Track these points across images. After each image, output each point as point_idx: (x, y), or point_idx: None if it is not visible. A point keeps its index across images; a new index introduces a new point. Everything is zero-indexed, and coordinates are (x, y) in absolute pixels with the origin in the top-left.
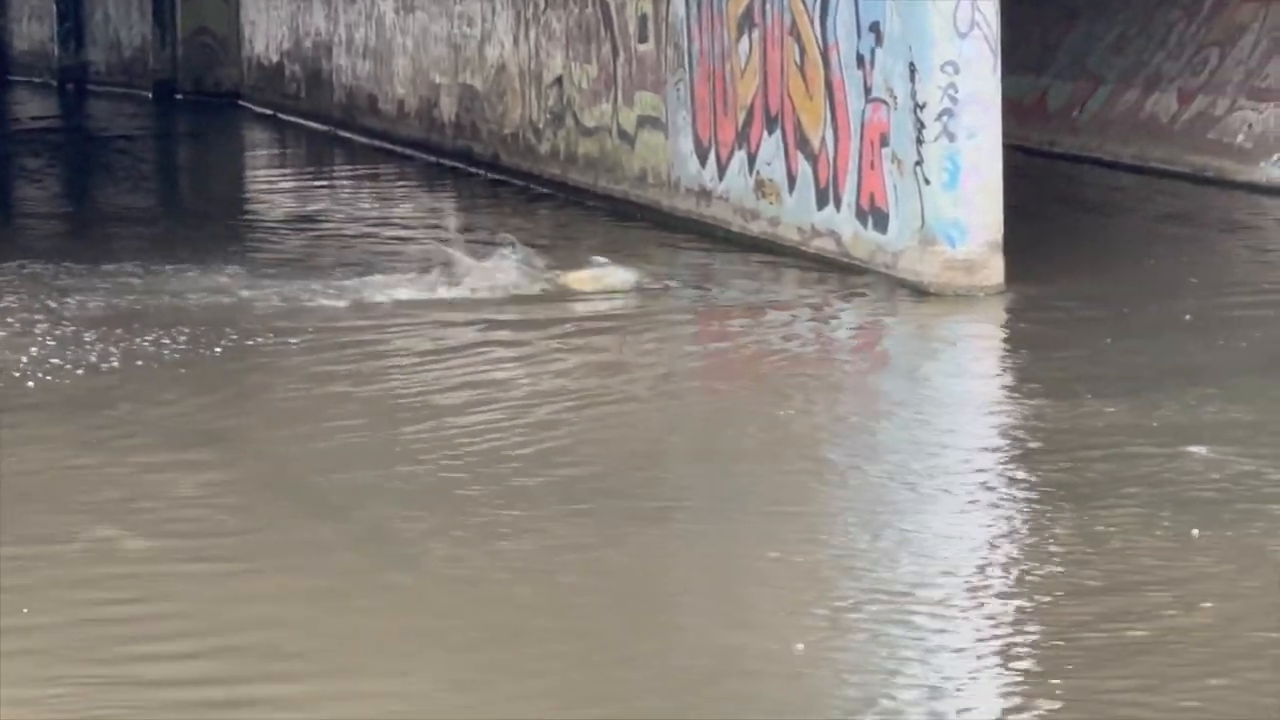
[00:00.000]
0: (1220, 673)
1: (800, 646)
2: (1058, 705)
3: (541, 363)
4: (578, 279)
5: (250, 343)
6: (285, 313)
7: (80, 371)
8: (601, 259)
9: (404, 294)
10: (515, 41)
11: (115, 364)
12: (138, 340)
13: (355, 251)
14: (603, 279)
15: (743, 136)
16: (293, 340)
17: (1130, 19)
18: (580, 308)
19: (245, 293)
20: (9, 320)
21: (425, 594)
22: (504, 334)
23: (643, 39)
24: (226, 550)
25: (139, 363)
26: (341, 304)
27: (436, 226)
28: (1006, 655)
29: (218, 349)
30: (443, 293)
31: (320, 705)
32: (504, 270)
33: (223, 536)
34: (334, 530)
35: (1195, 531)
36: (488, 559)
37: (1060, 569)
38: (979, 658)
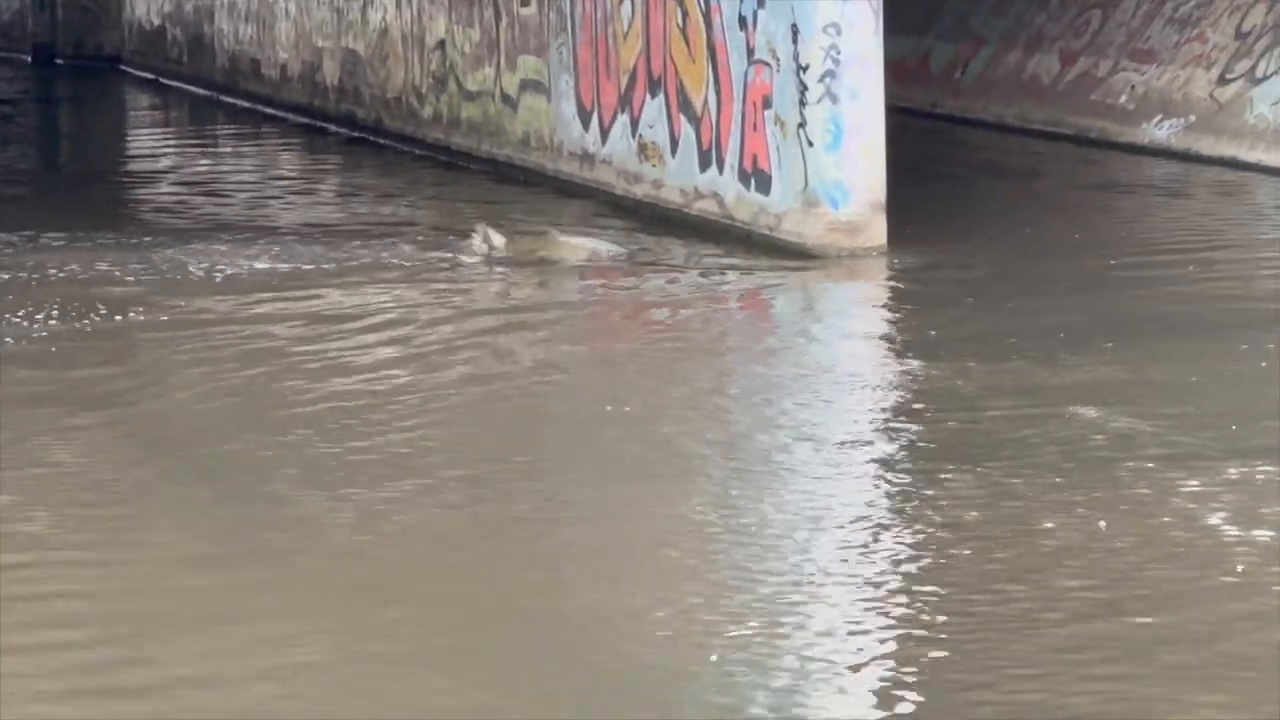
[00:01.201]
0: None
1: (714, 657)
2: (943, 684)
3: (440, 330)
4: (566, 245)
5: (120, 317)
6: (165, 283)
7: None
8: (590, 230)
9: (302, 263)
10: (398, 5)
11: None
12: (8, 315)
13: (238, 219)
14: (587, 247)
15: (625, 100)
16: (164, 316)
17: None
18: (474, 285)
19: (125, 264)
20: None
21: (310, 558)
22: (402, 303)
23: (525, 3)
24: (110, 515)
25: (9, 340)
26: (229, 271)
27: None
28: (893, 625)
29: (86, 324)
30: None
31: (206, 666)
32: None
33: (106, 497)
34: (215, 495)
35: (1102, 524)
36: (374, 524)
37: (944, 534)
38: (864, 628)
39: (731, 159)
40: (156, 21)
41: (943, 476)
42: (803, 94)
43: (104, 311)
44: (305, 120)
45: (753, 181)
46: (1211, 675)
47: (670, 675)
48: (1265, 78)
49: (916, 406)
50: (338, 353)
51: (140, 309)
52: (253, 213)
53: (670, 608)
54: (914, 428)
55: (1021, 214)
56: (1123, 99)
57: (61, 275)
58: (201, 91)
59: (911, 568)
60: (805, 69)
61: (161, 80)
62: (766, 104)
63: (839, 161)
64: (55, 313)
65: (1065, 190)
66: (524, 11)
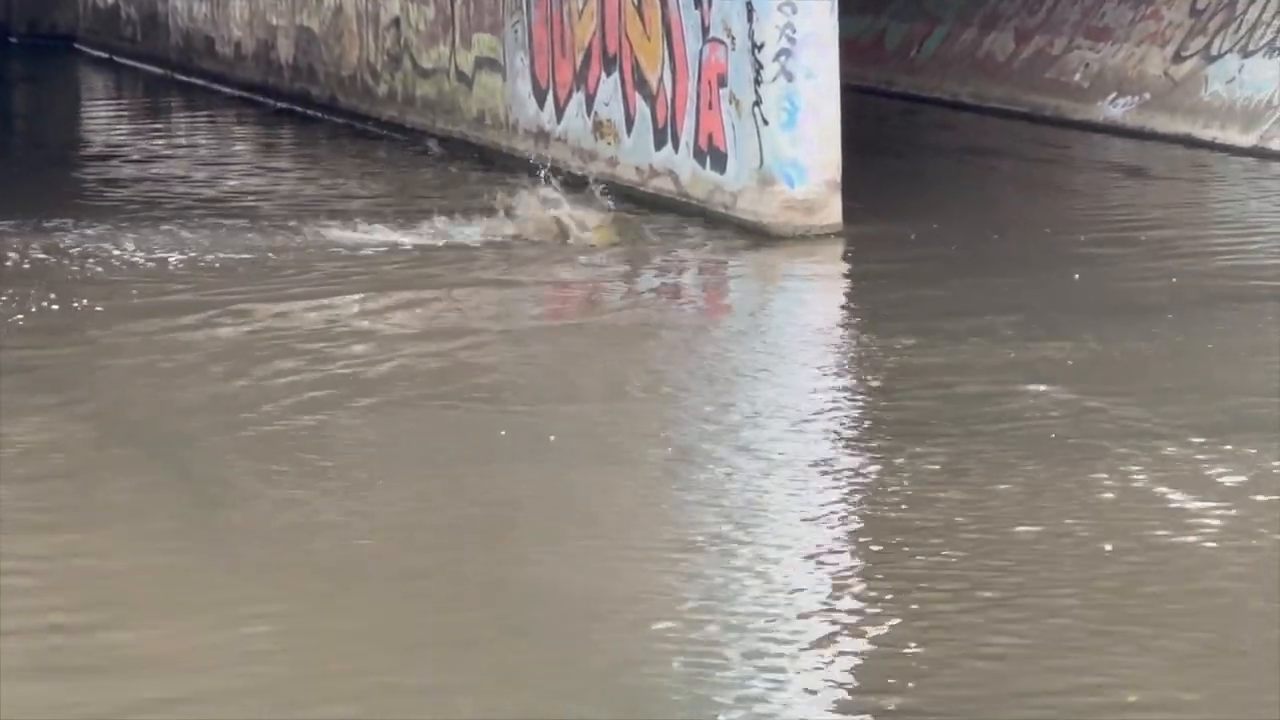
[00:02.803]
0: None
1: (676, 657)
2: (889, 662)
3: (397, 306)
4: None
5: (77, 304)
6: (119, 270)
7: None
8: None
9: (265, 250)
10: None
11: None
12: None
13: (194, 202)
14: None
15: (581, 78)
16: (121, 303)
17: None
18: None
19: (79, 249)
20: None
21: (263, 538)
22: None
23: None
24: (63, 495)
25: None
26: (181, 255)
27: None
28: (843, 601)
29: (33, 310)
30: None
31: (163, 647)
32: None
33: (58, 480)
34: (168, 476)
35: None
36: (326, 503)
37: (898, 510)
38: (809, 603)
39: (687, 137)
40: (111, 0)
41: (901, 454)
42: (758, 72)
43: (56, 299)
44: (260, 98)
45: (708, 160)
46: (1170, 650)
47: (626, 655)
48: (1220, 55)
49: (874, 385)
50: (292, 325)
51: (95, 297)
52: (208, 195)
53: (627, 589)
54: (872, 406)
55: (977, 192)
56: (1078, 77)
57: (8, 264)
58: (156, 70)
59: (870, 545)
60: (760, 47)
61: (116, 59)
62: (722, 82)
63: (794, 140)
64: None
65: (1021, 168)
66: None
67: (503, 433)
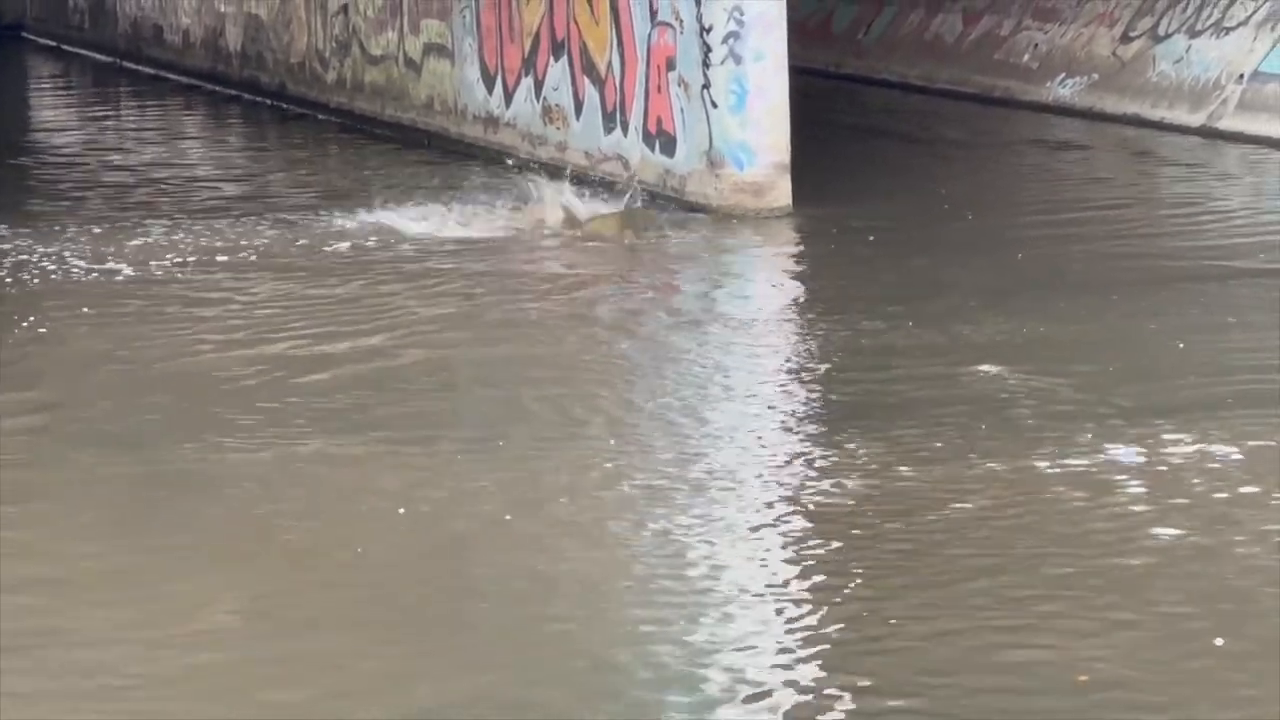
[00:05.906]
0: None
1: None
2: (850, 646)
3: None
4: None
5: (26, 322)
6: (70, 271)
7: None
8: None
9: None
10: None
11: None
12: None
13: (141, 197)
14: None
15: (529, 63)
16: (81, 309)
17: None
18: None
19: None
20: None
21: (215, 524)
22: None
23: None
24: (22, 482)
25: None
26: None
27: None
28: (797, 580)
29: None
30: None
31: (114, 632)
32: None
33: (17, 469)
34: (118, 460)
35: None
36: (285, 488)
37: (846, 491)
38: (767, 587)
39: (636, 121)
40: None
41: (851, 436)
42: (706, 55)
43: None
44: (209, 86)
45: (657, 143)
46: (1124, 631)
47: (584, 637)
48: (1167, 36)
49: (823, 367)
50: (248, 316)
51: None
52: (160, 186)
53: (583, 571)
54: (821, 388)
55: (926, 173)
56: (1026, 57)
57: None
58: (104, 58)
59: (815, 532)
60: (708, 30)
61: (64, 47)
62: (670, 66)
63: (743, 122)
64: None
65: (969, 149)
66: None
67: (460, 416)
